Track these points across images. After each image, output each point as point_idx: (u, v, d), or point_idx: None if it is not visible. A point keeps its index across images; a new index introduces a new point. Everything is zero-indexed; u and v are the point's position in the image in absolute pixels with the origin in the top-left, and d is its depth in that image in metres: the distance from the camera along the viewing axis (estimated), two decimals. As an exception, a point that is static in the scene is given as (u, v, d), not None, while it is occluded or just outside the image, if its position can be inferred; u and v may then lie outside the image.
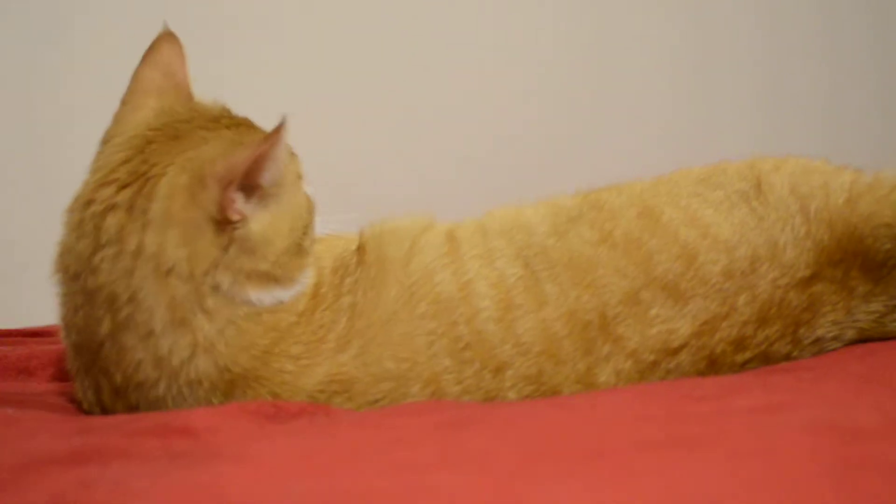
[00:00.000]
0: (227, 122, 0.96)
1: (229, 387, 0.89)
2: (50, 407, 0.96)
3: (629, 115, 2.02)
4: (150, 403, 0.89)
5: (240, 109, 1.00)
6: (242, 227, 0.88)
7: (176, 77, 0.99)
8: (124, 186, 0.89)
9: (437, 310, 0.94)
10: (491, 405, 0.90)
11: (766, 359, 0.98)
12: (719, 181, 1.05)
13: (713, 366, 0.96)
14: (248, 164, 0.86)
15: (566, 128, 1.97)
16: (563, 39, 1.99)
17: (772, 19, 2.12)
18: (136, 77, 0.99)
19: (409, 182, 1.83)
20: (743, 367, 0.97)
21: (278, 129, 0.86)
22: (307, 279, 0.95)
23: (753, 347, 0.97)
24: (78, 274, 0.89)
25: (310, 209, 0.97)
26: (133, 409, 0.89)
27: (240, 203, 0.88)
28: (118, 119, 0.97)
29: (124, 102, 0.99)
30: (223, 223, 0.87)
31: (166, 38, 1.01)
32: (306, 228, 0.96)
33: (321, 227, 1.00)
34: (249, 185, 0.88)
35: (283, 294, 0.92)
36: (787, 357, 0.98)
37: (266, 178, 0.89)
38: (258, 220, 0.89)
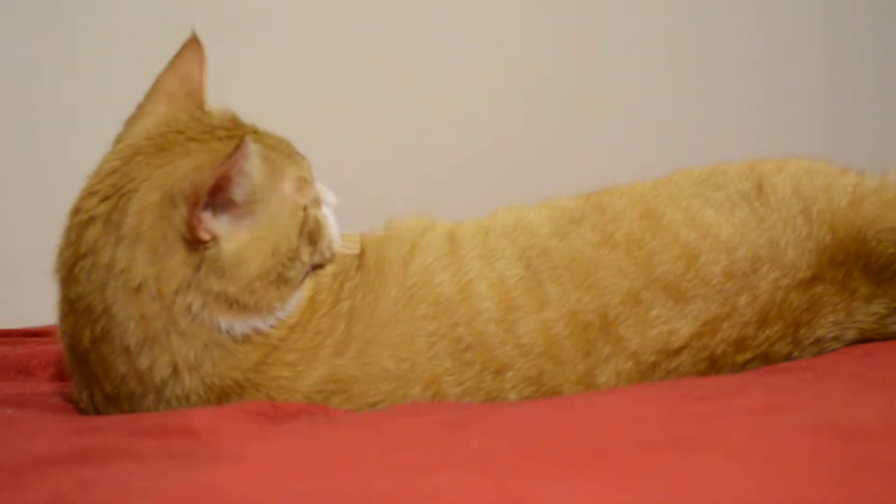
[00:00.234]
0: (223, 134, 0.93)
1: (221, 398, 0.89)
2: (50, 407, 0.96)
3: (630, 115, 2.02)
4: (142, 412, 0.88)
5: (244, 110, 0.99)
6: (213, 246, 0.86)
7: (191, 84, 0.97)
8: (105, 198, 0.88)
9: (438, 311, 0.94)
10: (491, 406, 0.90)
11: (766, 359, 0.98)
12: (720, 182, 1.05)
13: (714, 366, 0.96)
14: (211, 183, 0.83)
15: (567, 128, 1.97)
16: (564, 40, 1.99)
17: (772, 19, 2.12)
18: (156, 82, 0.98)
19: (409, 182, 1.83)
20: (744, 367, 0.97)
21: (238, 149, 0.83)
22: (291, 308, 0.92)
23: (754, 348, 0.97)
24: (64, 281, 0.89)
25: (312, 232, 0.93)
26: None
27: (209, 222, 0.85)
28: (129, 123, 0.96)
29: (139, 107, 0.97)
30: (194, 242, 0.85)
31: (190, 44, 0.99)
32: (294, 253, 0.91)
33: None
34: (222, 202, 0.86)
35: (258, 323, 0.89)
36: (788, 357, 0.98)
37: (238, 195, 0.86)
38: (232, 240, 0.87)
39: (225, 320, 0.87)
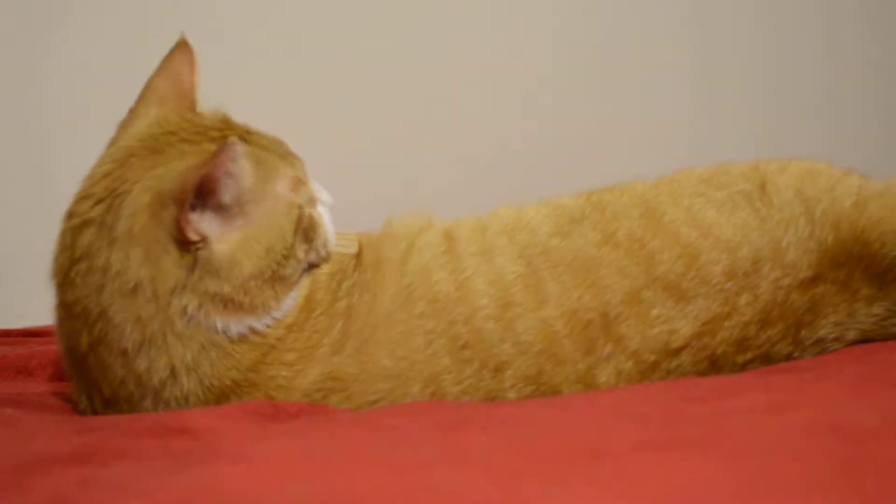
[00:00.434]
0: (215, 135, 0.93)
1: (220, 398, 0.89)
2: (49, 407, 0.96)
3: (630, 115, 2.02)
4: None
5: (239, 111, 0.99)
6: (205, 247, 0.86)
7: (181, 86, 0.97)
8: (99, 201, 0.88)
9: (436, 309, 0.94)
10: (491, 405, 0.90)
11: (767, 360, 0.97)
12: (722, 182, 1.04)
13: (714, 366, 0.96)
14: (195, 183, 0.83)
15: (567, 128, 1.97)
16: (565, 40, 1.99)
17: (772, 19, 2.12)
18: (147, 85, 0.98)
19: (408, 182, 1.82)
20: (744, 367, 0.97)
21: (222, 150, 0.83)
22: (287, 307, 0.92)
23: (755, 348, 0.97)
24: (60, 285, 0.89)
25: (307, 230, 0.93)
26: None
27: (198, 222, 0.85)
28: (122, 127, 0.96)
29: (131, 111, 0.97)
30: (185, 243, 0.85)
31: (179, 46, 0.99)
32: (289, 251, 0.91)
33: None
34: (212, 204, 0.86)
35: (255, 323, 0.89)
36: (789, 358, 0.98)
37: (226, 196, 0.86)
38: (224, 240, 0.87)
39: (221, 321, 0.87)
